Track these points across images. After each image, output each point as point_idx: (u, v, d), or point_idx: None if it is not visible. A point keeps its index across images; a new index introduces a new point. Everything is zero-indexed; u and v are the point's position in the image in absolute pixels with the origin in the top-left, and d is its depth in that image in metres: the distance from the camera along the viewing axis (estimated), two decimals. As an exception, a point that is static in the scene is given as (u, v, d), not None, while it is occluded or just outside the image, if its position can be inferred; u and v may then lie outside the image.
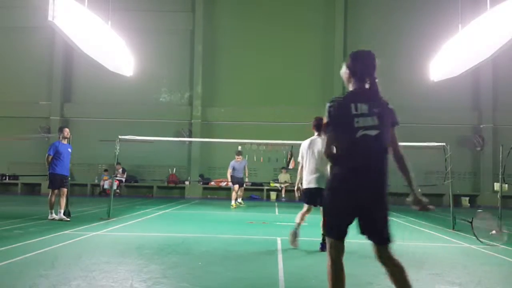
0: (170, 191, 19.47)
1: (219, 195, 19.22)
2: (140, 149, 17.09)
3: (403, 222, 10.33)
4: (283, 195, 18.41)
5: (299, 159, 6.62)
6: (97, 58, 9.28)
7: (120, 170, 18.34)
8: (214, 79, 19.88)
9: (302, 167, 6.60)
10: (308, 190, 6.31)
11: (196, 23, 19.96)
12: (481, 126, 18.90)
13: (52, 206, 9.08)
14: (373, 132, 2.83)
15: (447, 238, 7.94)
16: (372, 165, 2.83)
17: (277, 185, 18.71)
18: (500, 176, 9.08)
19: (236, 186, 14.25)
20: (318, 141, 6.16)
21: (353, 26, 19.49)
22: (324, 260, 2.96)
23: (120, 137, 10.05)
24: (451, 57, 9.92)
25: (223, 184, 18.61)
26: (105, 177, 18.74)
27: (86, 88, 20.01)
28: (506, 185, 10.79)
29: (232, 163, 14.28)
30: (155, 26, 19.92)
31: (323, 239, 6.03)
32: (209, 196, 19.09)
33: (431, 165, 16.78)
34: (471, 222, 7.27)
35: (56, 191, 9.10)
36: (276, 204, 16.47)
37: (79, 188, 18.93)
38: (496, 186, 11.40)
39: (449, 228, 8.90)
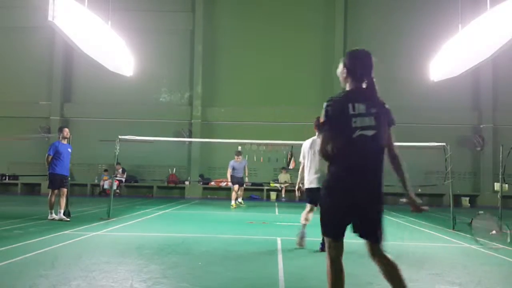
0: (170, 191, 19.46)
1: (219, 195, 19.21)
2: (140, 149, 17.09)
3: (403, 222, 10.33)
4: (283, 195, 18.41)
5: (301, 159, 6.64)
6: (97, 58, 9.28)
7: (120, 170, 18.33)
8: (214, 79, 19.88)
9: (303, 167, 6.61)
10: (309, 190, 6.33)
11: (196, 23, 19.95)
12: (481, 126, 18.90)
13: (52, 206, 9.08)
14: (370, 132, 2.83)
15: (447, 238, 7.94)
16: (368, 165, 2.84)
17: (277, 185, 18.71)
18: (500, 176, 9.08)
19: (236, 186, 14.25)
20: None
21: (353, 26, 19.48)
22: (324, 260, 2.96)
23: (120, 137, 10.05)
24: (451, 57, 9.93)
25: (223, 184, 18.61)
26: (105, 177, 18.74)
27: (86, 88, 20.01)
28: (506, 185, 10.79)
29: (232, 163, 14.27)
30: (155, 26, 19.92)
31: (323, 239, 6.03)
32: (209, 196, 19.09)
33: (431, 165, 16.81)
34: (470, 223, 7.27)
35: (56, 191, 9.09)
36: (276, 204, 16.46)
37: (79, 188, 18.92)
38: (496, 186, 11.40)
39: (449, 228, 8.90)
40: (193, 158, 19.52)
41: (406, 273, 4.81)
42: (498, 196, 9.11)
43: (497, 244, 6.95)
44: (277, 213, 12.81)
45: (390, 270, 2.81)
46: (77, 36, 8.43)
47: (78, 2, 8.65)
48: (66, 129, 9.54)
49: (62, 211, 9.04)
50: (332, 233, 2.90)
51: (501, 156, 8.96)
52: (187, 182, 19.22)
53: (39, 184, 18.73)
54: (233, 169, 14.21)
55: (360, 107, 2.85)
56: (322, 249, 5.98)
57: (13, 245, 5.96)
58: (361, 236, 2.88)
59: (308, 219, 6.46)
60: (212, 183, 19.24)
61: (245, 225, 9.38)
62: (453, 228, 8.84)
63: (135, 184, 19.48)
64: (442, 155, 9.77)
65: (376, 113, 2.87)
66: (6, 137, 18.68)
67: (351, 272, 3.00)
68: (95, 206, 12.54)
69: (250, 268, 5.07)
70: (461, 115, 18.97)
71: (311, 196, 6.31)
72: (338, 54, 18.35)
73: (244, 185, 15.42)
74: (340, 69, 3.09)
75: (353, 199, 2.80)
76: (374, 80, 2.99)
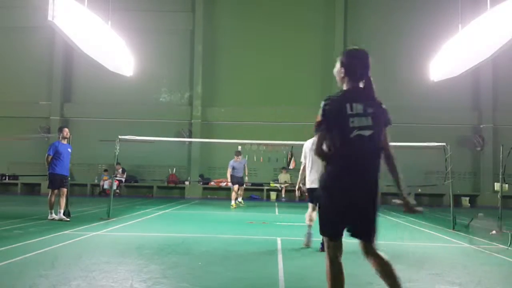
0: (170, 191, 19.46)
1: (219, 195, 19.21)
2: (140, 149, 17.08)
3: (403, 222, 10.33)
4: (283, 195, 18.40)
5: (302, 159, 6.66)
6: (97, 58, 9.29)
7: (120, 170, 18.33)
8: (214, 79, 19.88)
9: (304, 167, 6.63)
10: (311, 190, 6.36)
11: (196, 23, 19.95)
12: (481, 126, 18.90)
13: (52, 206, 9.08)
14: (367, 132, 2.83)
15: (447, 238, 7.93)
16: (366, 165, 2.84)
17: (277, 185, 18.71)
18: (500, 176, 9.08)
19: (236, 186, 14.25)
20: None
21: (353, 26, 19.48)
22: (324, 260, 2.96)
23: (120, 137, 10.04)
24: (451, 57, 9.93)
25: (223, 184, 18.61)
26: (105, 177, 18.73)
27: (86, 88, 20.01)
28: (506, 185, 10.80)
29: (232, 162, 14.27)
30: (155, 26, 19.92)
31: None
32: (209, 196, 19.09)
33: (431, 165, 16.81)
34: (467, 225, 7.28)
35: (56, 191, 9.09)
36: (276, 204, 16.46)
37: (79, 188, 18.92)
38: (496, 186, 11.41)
39: (449, 228, 8.89)
40: (193, 158, 19.52)
41: (406, 273, 4.84)
42: (498, 196, 9.11)
43: (497, 245, 6.96)
44: (277, 213, 12.81)
45: (384, 268, 2.83)
46: (77, 36, 8.44)
47: (78, 2, 8.65)
48: (66, 129, 9.53)
49: (62, 211, 9.03)
50: (331, 232, 2.90)
51: (501, 156, 8.96)
52: (187, 182, 19.22)
53: (39, 184, 18.73)
54: (233, 168, 14.21)
55: (358, 107, 2.85)
56: (322, 249, 5.98)
57: (13, 245, 5.96)
58: (354, 235, 2.89)
59: (312, 219, 6.47)
60: (212, 183, 19.23)
61: (245, 225, 9.38)
62: (453, 228, 8.83)
63: (135, 184, 19.47)
64: (442, 155, 9.77)
65: (373, 113, 2.87)
66: (6, 137, 18.68)
67: (351, 272, 3.00)
68: (95, 206, 12.54)
69: (250, 268, 5.07)
70: (461, 115, 18.97)
71: (312, 196, 6.33)
72: (338, 54, 18.34)
73: (244, 185, 15.41)
74: (337, 68, 3.07)
75: (350, 198, 2.81)
76: (372, 79, 2.98)
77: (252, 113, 19.37)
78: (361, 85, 2.98)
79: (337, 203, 2.83)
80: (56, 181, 9.11)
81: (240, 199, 14.94)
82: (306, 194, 6.81)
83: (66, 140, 9.43)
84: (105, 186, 18.56)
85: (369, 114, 2.85)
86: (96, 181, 19.42)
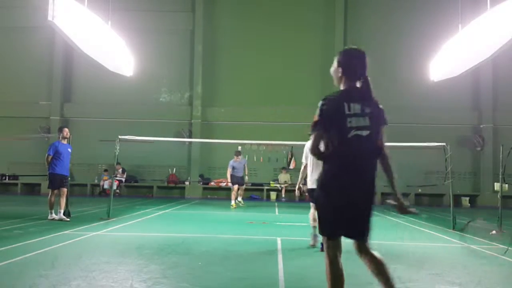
0: (170, 191, 19.46)
1: (219, 195, 19.21)
2: (140, 149, 17.08)
3: (403, 222, 10.33)
4: (283, 195, 18.40)
5: (303, 159, 6.67)
6: (97, 58, 9.29)
7: (120, 170, 18.33)
8: (214, 79, 19.88)
9: (305, 167, 6.63)
10: (313, 190, 6.34)
11: (196, 23, 19.95)
12: (481, 126, 18.90)
13: (52, 206, 9.08)
14: (365, 133, 2.84)
15: (447, 238, 7.93)
16: (363, 165, 2.85)
17: (277, 185, 18.71)
18: (500, 176, 9.09)
19: (236, 187, 14.25)
20: None
21: (353, 26, 19.48)
22: (324, 260, 2.95)
23: (120, 137, 10.04)
24: (451, 57, 9.93)
25: (223, 184, 18.60)
26: (105, 177, 18.73)
27: (86, 88, 20.01)
28: (506, 185, 10.79)
29: (232, 162, 14.27)
30: (155, 26, 19.92)
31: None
32: (209, 196, 19.09)
33: (431, 165, 16.82)
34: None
35: (56, 191, 9.09)
36: (276, 204, 16.47)
37: (79, 188, 18.91)
38: (496, 186, 11.41)
39: (449, 228, 8.89)
40: (193, 158, 19.52)
41: (406, 273, 4.84)
42: (498, 196, 9.11)
43: (497, 245, 6.96)
44: (277, 213, 12.82)
45: (378, 267, 2.84)
46: (77, 36, 8.44)
47: (78, 2, 8.65)
48: (66, 129, 9.53)
49: (62, 211, 9.03)
50: (329, 232, 2.91)
51: (501, 156, 8.96)
52: (187, 182, 19.22)
53: (39, 184, 18.73)
54: (233, 168, 14.21)
55: (356, 107, 2.85)
56: (322, 249, 5.98)
57: (13, 245, 5.96)
58: (347, 235, 2.89)
59: (316, 219, 6.47)
60: (212, 183, 19.23)
61: (245, 225, 9.38)
62: (453, 228, 8.83)
63: (135, 184, 19.47)
64: (442, 155, 9.77)
65: (370, 113, 2.87)
66: (6, 137, 18.68)
67: (351, 272, 3.00)
68: (95, 206, 12.54)
69: (250, 268, 5.07)
70: (461, 115, 18.97)
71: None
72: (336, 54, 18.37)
73: (245, 185, 15.40)
74: (335, 67, 3.06)
75: (348, 198, 2.82)
76: (369, 79, 2.98)
77: (252, 113, 19.37)
78: (358, 84, 2.98)
79: (335, 202, 2.84)
80: (56, 181, 9.11)
81: (240, 199, 14.94)
82: (307, 194, 6.81)
83: (66, 140, 9.43)
84: (105, 186, 18.56)
85: (366, 114, 2.86)
86: (96, 181, 19.42)
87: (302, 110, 17.62)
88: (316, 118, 2.88)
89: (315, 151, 2.90)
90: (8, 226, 7.81)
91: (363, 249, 2.89)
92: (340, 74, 3.02)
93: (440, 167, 11.01)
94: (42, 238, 6.67)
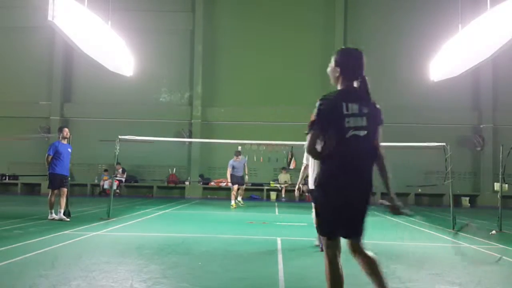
0: (170, 191, 19.46)
1: (219, 195, 19.21)
2: (140, 149, 17.08)
3: (403, 222, 10.32)
4: (283, 195, 18.41)
5: (304, 160, 6.67)
6: (97, 58, 9.30)
7: (120, 170, 18.33)
8: (214, 79, 19.88)
9: (305, 167, 6.64)
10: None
11: (196, 23, 19.95)
12: (481, 126, 18.90)
13: (52, 206, 9.08)
14: (362, 133, 2.85)
15: (447, 238, 7.93)
16: (361, 165, 2.86)
17: (277, 185, 18.71)
18: (500, 176, 9.09)
19: (235, 186, 14.25)
20: None
21: (353, 26, 19.48)
22: (323, 260, 2.96)
23: (120, 137, 10.04)
24: (451, 57, 9.93)
25: (223, 184, 18.60)
26: (105, 177, 18.73)
27: (86, 88, 20.00)
28: (506, 185, 10.81)
29: (231, 162, 14.26)
30: (155, 26, 19.92)
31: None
32: (209, 196, 19.09)
33: (431, 165, 16.81)
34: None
35: (56, 191, 9.09)
36: (276, 204, 16.46)
37: (79, 188, 18.91)
38: (496, 186, 11.43)
39: (449, 228, 8.89)
40: (193, 158, 19.52)
41: (406, 273, 4.84)
42: (498, 196, 9.12)
43: (497, 244, 6.96)
44: (277, 213, 12.81)
45: (372, 266, 2.85)
46: (77, 36, 8.44)
47: (78, 2, 8.65)
48: (66, 129, 9.53)
49: (62, 211, 9.03)
50: (328, 231, 2.91)
51: (501, 156, 8.97)
52: (187, 182, 19.22)
53: (39, 184, 18.72)
54: (233, 168, 14.21)
55: (353, 107, 2.85)
56: (322, 249, 5.98)
57: (13, 245, 5.96)
58: (345, 235, 2.90)
59: None
60: (212, 183, 19.23)
61: (245, 225, 9.38)
62: (453, 228, 8.83)
63: (135, 184, 19.47)
64: (442, 155, 9.77)
65: (368, 113, 2.88)
66: (6, 137, 18.68)
67: (351, 272, 3.00)
68: (95, 206, 12.54)
69: (250, 268, 5.07)
70: (461, 115, 18.97)
71: None
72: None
73: (245, 185, 15.40)
74: (332, 67, 3.05)
75: (346, 198, 2.82)
76: (367, 79, 2.98)
77: (252, 113, 19.37)
78: (355, 84, 2.98)
79: (333, 202, 2.84)
80: (56, 181, 9.11)
81: (239, 198, 14.94)
82: (307, 194, 6.82)
83: (66, 140, 9.43)
84: (105, 186, 18.56)
85: (364, 115, 2.86)
86: (96, 181, 19.42)
87: (302, 110, 17.49)
88: (313, 117, 2.87)
89: (311, 150, 2.90)
90: (8, 226, 7.81)
91: (357, 249, 2.90)
92: (338, 74, 3.01)
93: (440, 167, 11.00)
94: (42, 238, 6.67)
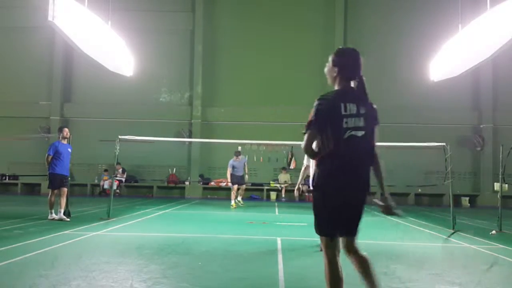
0: (170, 191, 19.46)
1: (219, 195, 19.21)
2: (140, 149, 17.07)
3: (403, 222, 10.33)
4: (283, 195, 18.40)
5: (305, 160, 6.68)
6: (97, 58, 9.28)
7: (120, 170, 18.33)
8: (214, 79, 19.87)
9: (305, 167, 6.64)
10: None
11: (196, 23, 19.95)
12: (481, 126, 18.89)
13: (52, 206, 9.08)
14: (360, 133, 2.85)
15: (447, 238, 7.93)
16: (359, 165, 2.87)
17: (277, 185, 18.71)
18: (500, 176, 9.09)
19: (235, 186, 14.25)
20: None
21: (353, 26, 19.48)
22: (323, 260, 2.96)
23: (120, 137, 10.04)
24: (451, 57, 9.93)
25: (223, 184, 18.60)
26: (105, 177, 18.73)
27: (86, 88, 20.00)
28: (506, 185, 10.80)
29: (231, 162, 14.26)
30: (155, 26, 19.92)
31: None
32: (209, 196, 19.09)
33: (431, 165, 16.81)
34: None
35: (56, 191, 9.10)
36: (276, 204, 16.46)
37: (79, 188, 18.91)
38: (496, 186, 11.42)
39: (449, 228, 8.89)
40: (193, 158, 19.52)
41: (406, 273, 4.84)
42: (498, 196, 9.11)
43: (497, 244, 6.96)
44: (277, 213, 12.81)
45: (364, 266, 2.87)
46: (77, 36, 8.43)
47: (78, 2, 8.65)
48: (66, 129, 9.53)
49: (62, 211, 9.03)
50: (326, 231, 2.91)
51: (501, 156, 8.96)
52: (187, 182, 19.22)
53: (39, 184, 18.72)
54: (233, 168, 14.20)
55: (352, 108, 2.85)
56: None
57: (13, 245, 5.96)
58: (344, 234, 2.91)
59: None
60: (212, 183, 19.23)
61: (245, 225, 9.38)
62: (453, 228, 8.83)
63: (135, 184, 19.47)
64: (442, 155, 9.77)
65: (365, 114, 2.88)
66: (6, 137, 18.68)
67: (351, 272, 3.00)
68: (95, 206, 12.54)
69: (250, 268, 5.07)
70: (461, 115, 18.96)
71: None
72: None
73: (245, 185, 15.39)
74: (329, 67, 3.05)
75: (344, 198, 2.83)
76: (364, 79, 2.98)
77: (252, 113, 19.37)
78: (352, 84, 2.98)
79: (331, 202, 2.85)
80: (56, 181, 9.11)
81: (239, 198, 14.94)
82: (307, 194, 6.83)
83: (66, 140, 9.43)
84: (105, 186, 18.56)
85: (362, 115, 2.86)
86: (96, 181, 19.42)
87: (302, 110, 17.42)
88: (311, 117, 2.87)
89: (308, 150, 2.90)
90: (8, 226, 7.82)
91: (351, 248, 2.91)
92: (335, 74, 3.01)
93: (440, 167, 11.01)
94: (42, 238, 6.67)
